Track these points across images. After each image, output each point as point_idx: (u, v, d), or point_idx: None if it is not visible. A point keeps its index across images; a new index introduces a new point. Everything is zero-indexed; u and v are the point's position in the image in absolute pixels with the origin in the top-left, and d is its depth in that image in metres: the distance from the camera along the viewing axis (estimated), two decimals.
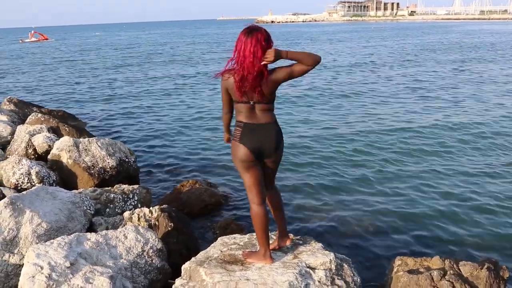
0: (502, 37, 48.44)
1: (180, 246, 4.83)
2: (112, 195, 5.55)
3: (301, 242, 4.04)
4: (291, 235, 4.05)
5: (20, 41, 68.55)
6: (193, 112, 13.82)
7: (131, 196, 5.68)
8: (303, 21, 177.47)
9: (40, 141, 7.44)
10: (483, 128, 10.91)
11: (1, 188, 5.75)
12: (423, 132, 10.69)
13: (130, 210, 5.25)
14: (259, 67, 3.26)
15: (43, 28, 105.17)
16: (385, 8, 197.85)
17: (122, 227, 4.57)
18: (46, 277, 3.45)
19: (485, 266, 3.99)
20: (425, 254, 4.93)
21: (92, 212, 5.11)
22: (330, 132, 11.02)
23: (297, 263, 3.64)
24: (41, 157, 7.33)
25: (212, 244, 4.07)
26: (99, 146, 7.00)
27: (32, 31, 73.64)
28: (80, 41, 70.13)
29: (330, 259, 3.70)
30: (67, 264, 3.60)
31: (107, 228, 4.88)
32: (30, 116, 9.12)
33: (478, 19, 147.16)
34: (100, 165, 6.80)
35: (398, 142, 9.96)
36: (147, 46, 49.49)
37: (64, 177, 6.63)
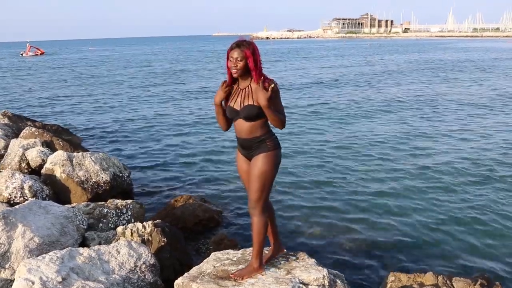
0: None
1: (173, 261, 4.81)
2: (105, 210, 5.53)
3: (294, 257, 4.03)
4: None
5: (22, 54, 69.12)
6: (188, 128, 13.83)
7: (124, 211, 5.66)
8: (298, 38, 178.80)
9: (33, 155, 7.42)
10: (481, 142, 10.98)
11: None
12: (418, 148, 10.75)
13: (123, 225, 5.22)
14: None
15: (35, 43, 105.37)
16: (379, 25, 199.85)
17: (115, 242, 4.55)
18: None
19: (479, 282, 4.00)
20: (419, 270, 4.93)
21: (85, 226, 5.09)
22: (322, 145, 11.05)
23: (290, 279, 3.62)
24: (34, 171, 7.30)
25: (205, 260, 4.05)
26: (93, 160, 7.00)
27: (28, 45, 73.87)
28: (74, 55, 70.27)
29: (324, 275, 3.69)
30: (59, 279, 3.58)
31: (100, 243, 4.85)
32: (24, 130, 9.11)
33: (471, 36, 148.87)
34: (94, 180, 6.79)
35: (390, 157, 10.00)
36: (142, 61, 49.69)
37: (57, 192, 6.61)
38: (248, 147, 3.53)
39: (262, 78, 3.37)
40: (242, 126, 3.48)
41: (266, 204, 3.59)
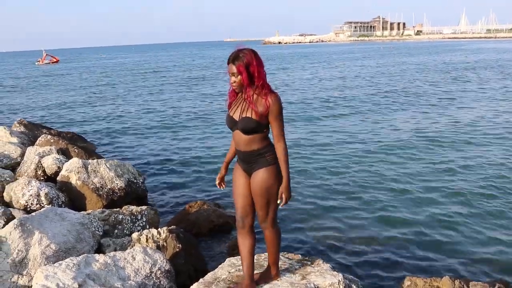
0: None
1: (188, 267, 4.83)
2: (120, 216, 5.56)
3: (309, 262, 4.03)
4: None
5: (37, 63, 70.20)
6: (203, 135, 13.87)
7: (139, 217, 5.69)
8: (310, 42, 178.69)
9: (49, 162, 7.50)
10: (496, 146, 10.88)
11: (11, 209, 5.79)
12: (431, 150, 10.67)
13: (138, 231, 5.26)
14: None
15: (49, 51, 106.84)
16: (392, 28, 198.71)
17: (130, 248, 4.57)
18: None
19: (496, 287, 3.95)
20: (435, 274, 4.89)
21: (101, 233, 5.13)
22: (336, 150, 11.02)
23: (306, 284, 3.61)
24: (50, 179, 7.38)
25: (220, 265, 4.06)
26: (107, 167, 7.05)
27: (44, 53, 74.97)
28: (88, 63, 71.03)
29: (339, 280, 3.68)
30: (75, 285, 3.61)
31: (115, 249, 4.88)
32: (39, 138, 9.20)
33: (485, 37, 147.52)
34: (109, 186, 6.84)
35: (405, 159, 9.94)
36: (155, 68, 50.05)
37: (73, 198, 6.67)
38: (247, 161, 3.39)
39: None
40: (240, 138, 3.35)
41: (276, 217, 3.52)
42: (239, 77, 3.24)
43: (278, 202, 3.34)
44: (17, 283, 4.10)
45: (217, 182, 3.73)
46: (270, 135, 3.40)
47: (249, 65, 3.21)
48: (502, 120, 14.08)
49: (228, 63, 3.28)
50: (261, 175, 3.34)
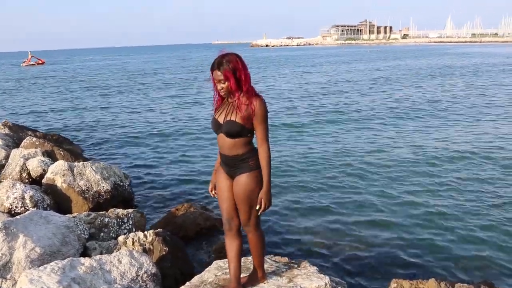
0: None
1: (174, 270, 4.80)
2: (106, 219, 5.52)
3: (296, 265, 4.03)
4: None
5: (23, 65, 69.62)
6: (189, 138, 13.82)
7: (125, 220, 5.65)
8: (297, 45, 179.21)
9: (34, 165, 7.42)
10: (479, 151, 10.98)
11: None
12: (417, 157, 10.74)
13: (124, 234, 5.22)
14: None
15: (35, 52, 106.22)
16: (378, 32, 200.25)
17: (117, 251, 4.54)
18: None
19: None
20: (421, 276, 4.91)
21: (86, 236, 5.08)
22: (324, 154, 11.05)
23: (292, 286, 3.62)
24: (35, 181, 7.30)
25: (207, 268, 4.05)
26: (93, 170, 6.99)
27: (30, 54, 74.44)
28: (74, 65, 70.51)
29: (325, 283, 3.68)
30: None
31: (101, 253, 4.84)
32: (24, 140, 9.11)
33: (470, 42, 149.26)
34: (95, 189, 6.79)
35: (393, 165, 9.99)
36: (141, 71, 49.82)
37: (58, 201, 6.60)
38: (230, 165, 3.38)
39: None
40: (224, 141, 3.33)
41: (259, 220, 3.51)
42: (226, 83, 3.21)
43: (257, 208, 3.32)
44: (0, 287, 4.05)
45: (212, 193, 3.69)
46: (254, 141, 3.38)
47: (236, 70, 3.19)
48: (491, 129, 14.22)
49: (213, 70, 3.24)
50: (243, 180, 3.33)
